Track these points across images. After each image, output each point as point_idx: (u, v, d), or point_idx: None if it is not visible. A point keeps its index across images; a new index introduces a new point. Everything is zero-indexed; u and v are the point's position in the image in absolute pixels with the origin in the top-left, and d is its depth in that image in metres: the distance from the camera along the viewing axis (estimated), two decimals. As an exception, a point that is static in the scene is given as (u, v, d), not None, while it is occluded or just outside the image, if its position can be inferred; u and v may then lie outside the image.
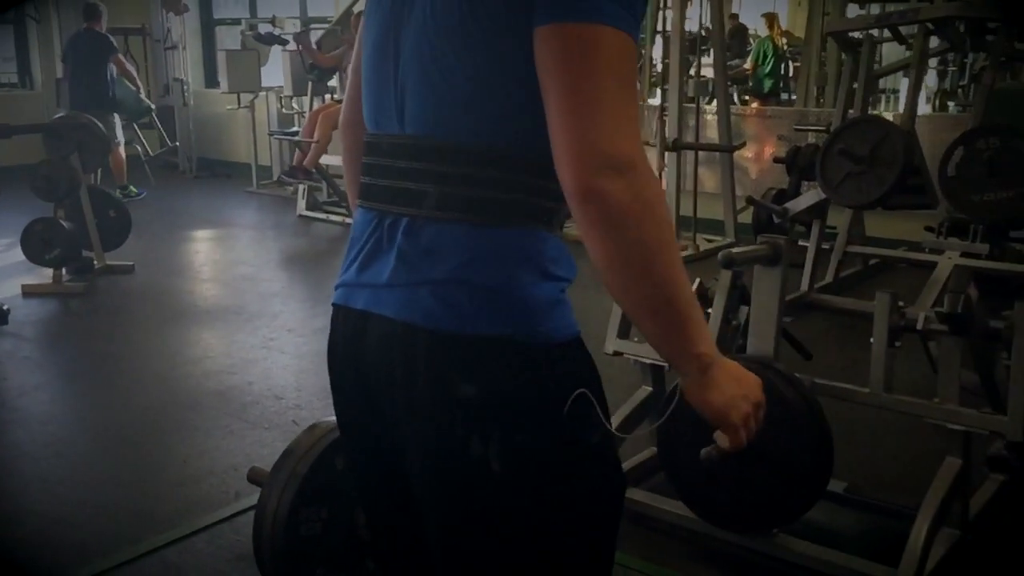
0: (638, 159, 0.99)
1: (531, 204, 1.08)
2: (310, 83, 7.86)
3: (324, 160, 7.18)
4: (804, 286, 4.88)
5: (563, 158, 0.99)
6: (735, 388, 1.10)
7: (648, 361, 2.79)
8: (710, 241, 6.19)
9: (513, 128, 1.06)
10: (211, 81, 10.17)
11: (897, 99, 9.88)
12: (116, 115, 7.93)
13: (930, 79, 9.81)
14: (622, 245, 1.00)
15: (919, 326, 2.35)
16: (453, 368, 1.07)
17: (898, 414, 2.49)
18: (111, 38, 8.08)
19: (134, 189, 8.37)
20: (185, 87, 9.87)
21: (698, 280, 2.87)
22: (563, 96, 0.98)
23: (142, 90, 8.76)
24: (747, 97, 10.06)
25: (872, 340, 2.43)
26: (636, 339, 2.81)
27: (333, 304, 1.22)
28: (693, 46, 6.71)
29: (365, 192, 1.19)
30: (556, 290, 1.09)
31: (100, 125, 5.62)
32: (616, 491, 1.19)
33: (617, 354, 2.80)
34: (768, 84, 9.88)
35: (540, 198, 1.08)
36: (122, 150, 8.16)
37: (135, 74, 8.56)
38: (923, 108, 9.59)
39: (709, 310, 2.80)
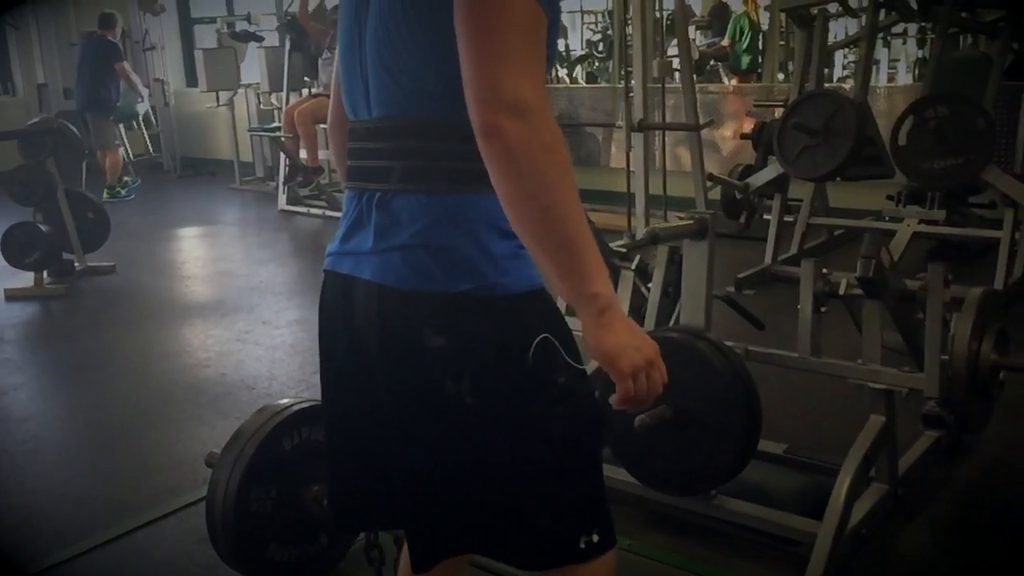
0: (537, 105, 1.09)
1: (485, 170, 1.16)
2: (286, 78, 7.94)
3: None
4: (768, 259, 4.99)
5: (470, 99, 1.11)
6: (628, 337, 1.16)
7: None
8: (680, 219, 6.27)
9: (463, 101, 1.14)
10: (191, 80, 10.24)
11: (878, 70, 9.90)
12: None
13: (911, 47, 9.86)
14: (521, 181, 1.10)
15: (841, 291, 2.45)
16: (423, 322, 1.20)
17: (840, 378, 2.58)
18: (119, 45, 8.47)
19: (122, 191, 8.52)
20: (165, 87, 9.96)
21: (638, 256, 2.98)
22: (471, 45, 1.10)
23: (145, 98, 9.11)
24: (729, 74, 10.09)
25: (799, 307, 2.54)
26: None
27: (324, 270, 1.38)
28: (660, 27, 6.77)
29: (349, 174, 1.34)
30: (513, 246, 1.21)
31: (74, 129, 5.72)
32: (588, 420, 1.29)
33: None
34: (746, 60, 9.88)
35: None
36: (120, 152, 8.57)
37: (137, 82, 8.84)
38: (904, 78, 9.66)
39: (649, 285, 2.91)
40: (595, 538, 1.31)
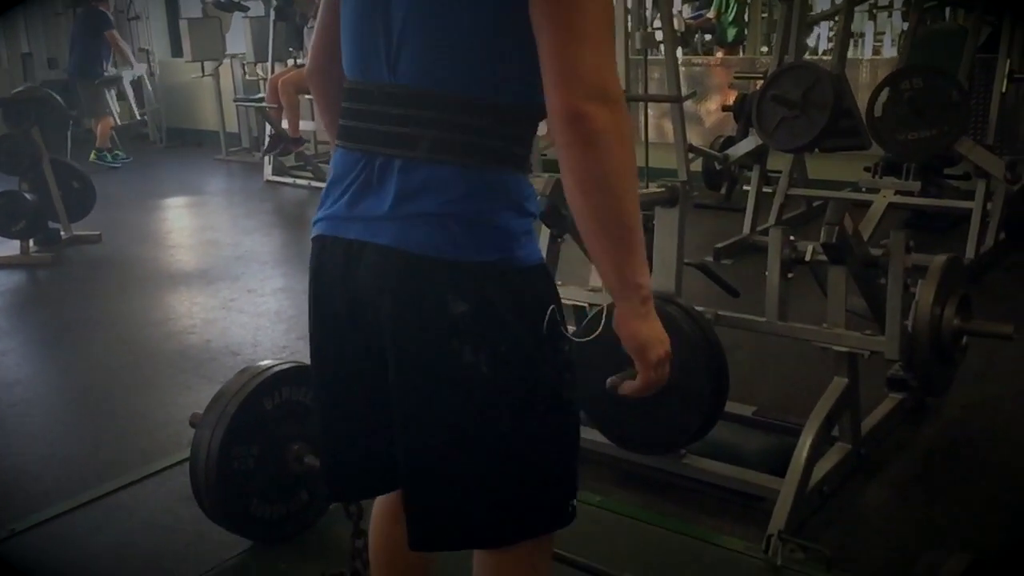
0: (620, 94, 1.14)
1: (511, 150, 1.23)
2: (271, 48, 7.94)
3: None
4: (746, 229, 5.06)
5: (556, 83, 1.13)
6: (659, 330, 1.24)
7: (570, 303, 2.96)
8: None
9: (503, 82, 1.19)
10: (176, 50, 10.20)
11: (863, 43, 9.95)
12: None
13: (896, 20, 9.89)
14: (597, 167, 1.12)
15: (807, 258, 2.53)
16: (447, 289, 1.21)
17: (806, 342, 2.65)
18: (108, 15, 8.61)
19: (109, 156, 8.58)
20: (151, 57, 9.93)
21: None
22: (558, 31, 1.13)
23: (135, 67, 9.27)
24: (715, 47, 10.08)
25: (767, 273, 2.61)
26: (560, 282, 2.97)
27: (318, 235, 1.34)
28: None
29: (350, 135, 1.30)
30: (528, 223, 1.26)
31: (59, 98, 5.74)
32: (578, 388, 1.35)
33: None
34: (732, 33, 9.86)
35: (518, 146, 1.25)
36: (111, 118, 8.71)
37: (127, 50, 8.95)
38: (890, 51, 9.71)
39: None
40: (575, 502, 1.36)
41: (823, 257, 2.51)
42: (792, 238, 2.60)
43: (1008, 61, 4.69)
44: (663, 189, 2.61)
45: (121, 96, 9.34)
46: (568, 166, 1.15)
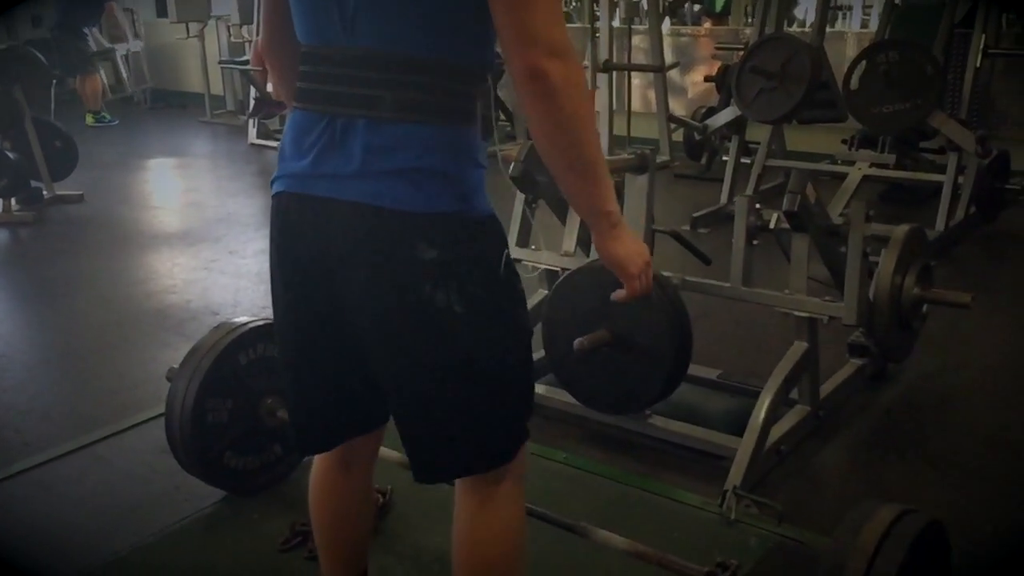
0: (569, 47, 1.25)
1: (466, 108, 1.33)
2: (257, 10, 7.90)
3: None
4: (723, 199, 5.12)
5: (514, 46, 1.23)
6: (633, 245, 1.43)
7: (544, 266, 3.02)
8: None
9: (458, 43, 1.29)
10: (161, 11, 10.13)
11: (851, 15, 9.96)
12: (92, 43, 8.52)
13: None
14: (559, 115, 1.25)
15: (771, 225, 2.59)
16: (418, 239, 1.31)
17: (769, 307, 2.72)
18: None
19: (107, 116, 8.61)
20: (136, 18, 9.86)
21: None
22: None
23: (129, 39, 9.38)
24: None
25: (733, 239, 2.68)
26: (533, 247, 3.03)
27: (281, 192, 1.40)
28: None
29: (310, 96, 1.36)
30: (482, 175, 1.38)
31: (41, 57, 5.73)
32: (529, 322, 1.51)
33: (516, 261, 3.02)
34: (720, 3, 9.87)
35: (471, 103, 1.35)
36: (99, 77, 8.72)
37: (124, 22, 9.12)
38: (876, 24, 9.73)
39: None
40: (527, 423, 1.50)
41: (784, 225, 2.57)
42: (758, 206, 2.67)
43: (983, 36, 4.75)
44: (633, 156, 2.67)
45: (105, 57, 9.30)
46: (534, 116, 1.27)
